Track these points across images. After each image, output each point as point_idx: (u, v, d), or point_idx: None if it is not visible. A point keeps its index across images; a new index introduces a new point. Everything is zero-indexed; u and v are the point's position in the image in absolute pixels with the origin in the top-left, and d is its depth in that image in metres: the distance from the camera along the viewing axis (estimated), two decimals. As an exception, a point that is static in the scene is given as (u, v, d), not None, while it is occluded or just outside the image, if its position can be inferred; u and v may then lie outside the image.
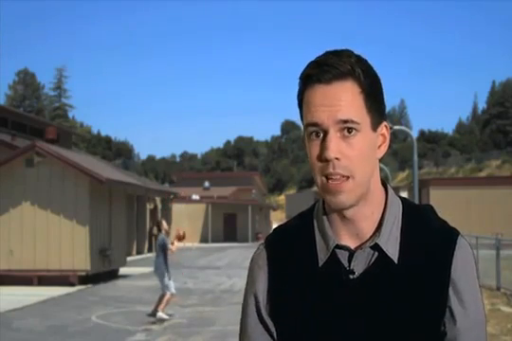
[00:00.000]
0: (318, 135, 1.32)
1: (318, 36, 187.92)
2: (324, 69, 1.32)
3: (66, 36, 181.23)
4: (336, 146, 1.29)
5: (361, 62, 1.35)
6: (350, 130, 1.31)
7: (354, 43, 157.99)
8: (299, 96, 1.38)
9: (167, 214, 37.37)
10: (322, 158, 1.30)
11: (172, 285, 11.81)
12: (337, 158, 1.29)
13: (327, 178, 1.31)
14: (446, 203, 38.24)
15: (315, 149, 1.32)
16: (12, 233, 17.63)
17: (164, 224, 12.05)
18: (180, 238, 12.27)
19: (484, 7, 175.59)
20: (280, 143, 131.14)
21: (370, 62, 1.39)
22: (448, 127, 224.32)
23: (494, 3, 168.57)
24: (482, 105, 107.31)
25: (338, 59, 1.33)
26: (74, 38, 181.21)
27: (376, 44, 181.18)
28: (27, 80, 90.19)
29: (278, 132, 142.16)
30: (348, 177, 1.31)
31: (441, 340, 1.37)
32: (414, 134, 57.17)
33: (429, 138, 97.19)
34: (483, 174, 66.72)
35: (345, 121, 1.30)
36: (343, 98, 1.31)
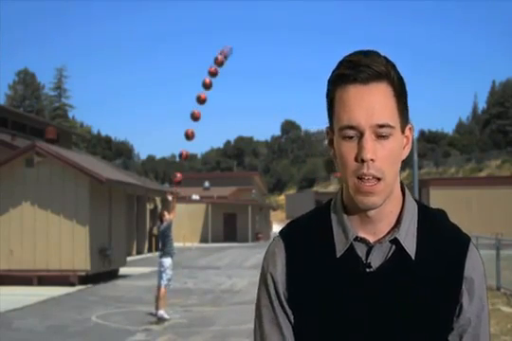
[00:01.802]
0: (351, 137, 1.33)
1: (318, 36, 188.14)
2: (360, 69, 1.32)
3: (66, 36, 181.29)
4: (372, 147, 1.31)
5: (390, 63, 1.37)
6: (384, 133, 1.32)
7: (354, 42, 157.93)
8: (328, 95, 1.38)
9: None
10: (359, 159, 1.32)
11: (171, 278, 11.85)
12: (372, 159, 1.31)
13: (359, 178, 1.33)
14: (446, 203, 38.16)
15: (350, 150, 1.34)
16: (12, 233, 17.63)
17: (166, 214, 12.15)
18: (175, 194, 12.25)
19: (485, 7, 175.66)
20: (280, 143, 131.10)
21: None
22: (448, 127, 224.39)
23: (494, 3, 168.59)
24: (482, 105, 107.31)
25: (372, 59, 1.34)
26: (74, 38, 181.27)
27: (376, 44, 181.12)
28: (27, 80, 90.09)
29: (278, 132, 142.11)
30: (379, 179, 1.33)
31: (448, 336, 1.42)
32: (414, 133, 57.11)
33: (429, 138, 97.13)
34: (483, 174, 66.67)
35: (381, 126, 1.32)
36: (379, 101, 1.32)
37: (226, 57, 10.98)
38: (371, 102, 1.32)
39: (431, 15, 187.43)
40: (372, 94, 1.32)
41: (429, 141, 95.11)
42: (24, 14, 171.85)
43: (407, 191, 1.47)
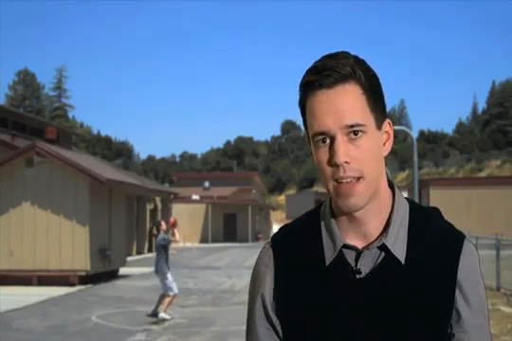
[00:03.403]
0: (324, 141, 1.33)
1: (318, 36, 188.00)
2: (325, 74, 1.32)
3: (66, 36, 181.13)
4: (344, 150, 1.30)
5: (359, 62, 1.36)
6: (356, 132, 1.31)
7: (354, 43, 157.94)
8: (300, 103, 1.38)
9: (167, 214, 37.38)
10: (332, 163, 1.31)
11: (174, 285, 11.82)
12: (346, 162, 1.30)
13: (338, 182, 1.32)
14: (446, 203, 38.23)
15: (323, 155, 1.33)
16: (12, 233, 17.64)
17: (163, 224, 12.15)
18: (174, 225, 12.54)
19: (484, 7, 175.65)
20: (280, 143, 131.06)
21: (367, 61, 1.39)
22: (447, 127, 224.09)
23: (494, 3, 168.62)
24: (482, 105, 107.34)
25: (337, 61, 1.33)
26: (74, 38, 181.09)
27: (377, 45, 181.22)
28: (27, 81, 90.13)
29: (278, 132, 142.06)
30: (359, 178, 1.31)
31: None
32: (414, 134, 57.19)
33: (429, 138, 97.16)
34: (483, 174, 66.70)
35: (351, 126, 1.31)
36: (347, 102, 1.31)
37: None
38: (339, 105, 1.31)
39: (431, 15, 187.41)
40: (339, 97, 1.31)
41: (428, 141, 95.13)
42: (24, 14, 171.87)
43: (397, 191, 1.44)
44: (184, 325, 11.15)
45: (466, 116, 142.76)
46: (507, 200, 40.72)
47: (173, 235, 12.34)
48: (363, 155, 1.31)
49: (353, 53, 1.38)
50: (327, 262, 1.40)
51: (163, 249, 11.81)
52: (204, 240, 48.14)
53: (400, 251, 1.37)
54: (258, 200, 59.58)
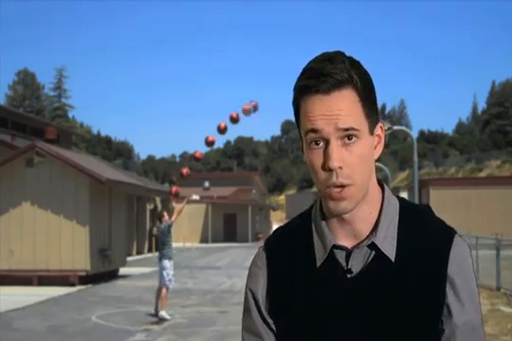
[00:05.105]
0: (317, 144, 1.32)
1: (318, 36, 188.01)
2: (322, 80, 1.31)
3: (66, 36, 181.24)
4: (338, 155, 1.30)
5: (355, 65, 1.34)
6: (350, 137, 1.31)
7: (354, 43, 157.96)
8: (294, 104, 1.38)
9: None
10: (326, 168, 1.31)
11: (172, 279, 11.93)
12: (340, 167, 1.30)
13: (330, 186, 1.32)
14: (446, 203, 38.25)
15: (317, 158, 1.33)
16: (12, 233, 17.64)
17: (165, 215, 12.28)
18: (177, 194, 12.51)
19: (485, 7, 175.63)
20: (280, 143, 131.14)
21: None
22: (448, 127, 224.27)
23: (494, 3, 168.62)
24: (482, 105, 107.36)
25: (334, 66, 1.31)
26: (74, 38, 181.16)
27: (377, 45, 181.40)
28: (27, 81, 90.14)
29: (278, 132, 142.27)
30: (350, 185, 1.32)
31: (439, 338, 1.37)
32: (414, 134, 57.09)
33: (429, 138, 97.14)
34: (483, 174, 66.65)
35: (346, 129, 1.30)
36: (343, 108, 1.31)
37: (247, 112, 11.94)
38: (335, 110, 1.30)
39: (431, 15, 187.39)
40: (335, 102, 1.30)
41: (429, 141, 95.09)
42: (24, 14, 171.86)
43: (386, 189, 1.44)
44: (184, 325, 11.15)
45: (466, 116, 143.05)
46: (507, 200, 40.70)
47: (173, 214, 12.44)
48: (355, 161, 1.31)
49: (348, 53, 1.37)
50: (318, 263, 1.40)
51: (167, 233, 12.00)
52: (204, 240, 48.15)
53: (390, 249, 1.38)
54: (258, 200, 59.59)
